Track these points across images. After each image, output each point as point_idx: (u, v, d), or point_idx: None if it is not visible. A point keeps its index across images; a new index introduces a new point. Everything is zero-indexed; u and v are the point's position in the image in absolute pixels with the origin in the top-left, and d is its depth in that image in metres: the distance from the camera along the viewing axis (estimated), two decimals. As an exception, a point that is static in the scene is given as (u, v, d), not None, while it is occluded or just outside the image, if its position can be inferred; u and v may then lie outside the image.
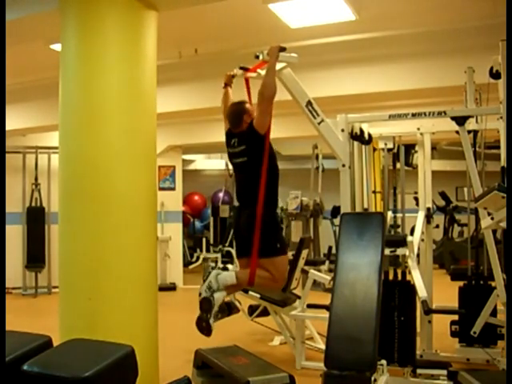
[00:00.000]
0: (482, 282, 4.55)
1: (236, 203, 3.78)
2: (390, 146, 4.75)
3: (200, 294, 3.38)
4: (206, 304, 3.33)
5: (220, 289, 3.36)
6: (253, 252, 3.35)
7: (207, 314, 3.31)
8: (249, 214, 3.39)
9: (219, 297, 3.36)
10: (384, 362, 2.90)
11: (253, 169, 3.38)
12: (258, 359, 3.60)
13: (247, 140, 3.44)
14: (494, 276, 4.00)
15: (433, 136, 4.55)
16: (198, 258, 10.84)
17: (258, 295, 4.59)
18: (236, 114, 3.53)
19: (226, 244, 10.47)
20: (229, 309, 4.57)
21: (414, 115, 3.98)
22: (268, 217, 3.42)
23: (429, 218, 4.57)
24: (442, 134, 4.97)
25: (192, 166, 12.40)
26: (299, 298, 4.83)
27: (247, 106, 3.55)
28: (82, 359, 2.30)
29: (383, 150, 4.77)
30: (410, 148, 7.20)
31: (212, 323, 3.32)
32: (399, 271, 4.11)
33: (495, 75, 3.92)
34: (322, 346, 4.09)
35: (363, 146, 4.29)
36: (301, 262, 5.01)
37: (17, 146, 8.36)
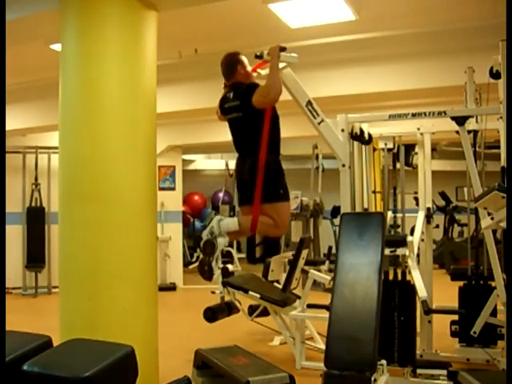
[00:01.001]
0: (482, 282, 4.54)
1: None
2: (390, 146, 4.75)
3: (201, 239, 3.39)
4: (208, 247, 3.35)
5: (222, 234, 3.37)
6: (255, 198, 3.36)
7: (209, 257, 3.32)
8: (252, 162, 3.40)
9: (222, 241, 3.38)
10: (384, 361, 2.89)
11: (248, 123, 3.40)
12: (258, 359, 3.60)
13: (242, 97, 3.44)
14: (494, 276, 4.00)
15: (433, 136, 4.54)
16: (197, 257, 10.80)
17: (258, 295, 4.59)
18: (229, 63, 3.55)
19: (226, 244, 10.47)
20: (229, 309, 4.57)
21: (414, 115, 3.98)
22: (272, 163, 3.43)
23: (429, 218, 4.57)
24: (442, 134, 4.98)
25: (192, 166, 12.40)
26: (299, 297, 4.83)
27: (241, 56, 3.56)
28: (82, 359, 2.30)
29: (383, 149, 4.77)
30: (409, 148, 7.20)
31: (214, 266, 3.33)
32: (399, 271, 4.11)
33: (495, 75, 3.92)
34: (322, 346, 4.09)
35: (363, 146, 4.30)
36: (301, 262, 5.01)
37: (17, 145, 8.35)
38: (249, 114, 3.42)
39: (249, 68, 3.59)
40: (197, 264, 10.68)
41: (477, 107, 4.31)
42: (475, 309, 4.22)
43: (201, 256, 3.45)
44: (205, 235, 3.39)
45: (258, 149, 3.36)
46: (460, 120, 3.78)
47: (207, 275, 3.36)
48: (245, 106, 3.44)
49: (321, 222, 8.74)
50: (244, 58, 3.58)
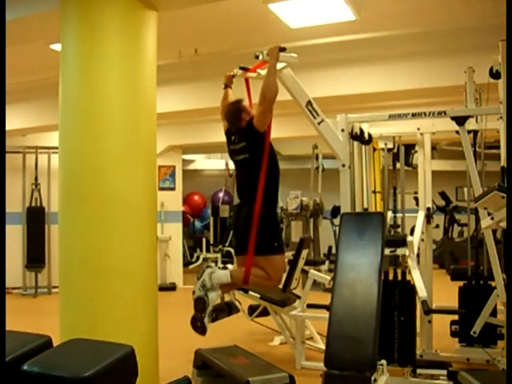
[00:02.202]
0: (482, 282, 4.54)
1: (237, 201, 3.77)
2: (390, 146, 4.76)
3: (194, 293, 3.37)
4: (199, 304, 3.32)
5: (214, 288, 3.35)
6: (249, 250, 3.35)
7: (201, 314, 3.30)
8: (248, 211, 3.39)
9: (213, 296, 3.34)
10: (384, 361, 2.89)
11: (253, 165, 3.38)
12: (258, 359, 3.60)
13: (247, 137, 3.44)
14: (494, 276, 3.99)
15: (433, 136, 4.54)
16: (198, 257, 10.85)
17: (258, 295, 4.59)
18: (234, 113, 3.53)
19: (226, 244, 10.48)
20: (229, 309, 4.58)
21: (414, 115, 3.98)
22: (268, 215, 3.42)
23: (429, 218, 4.57)
24: (442, 134, 4.97)
25: (192, 166, 12.40)
26: (299, 297, 4.83)
27: (244, 104, 3.56)
28: (82, 359, 2.30)
29: (383, 149, 4.78)
30: (409, 148, 7.20)
31: (206, 323, 3.31)
32: (399, 271, 4.11)
33: (495, 75, 3.92)
34: (322, 346, 4.09)
35: (363, 146, 4.29)
36: (301, 262, 5.01)
37: (17, 145, 8.36)
38: (256, 155, 3.39)
39: (250, 109, 3.56)
40: (197, 264, 10.73)
41: (477, 107, 4.31)
42: (475, 309, 4.22)
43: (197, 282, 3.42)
44: (197, 289, 3.36)
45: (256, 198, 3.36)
46: (460, 120, 3.78)
47: (200, 330, 3.34)
48: (251, 145, 3.42)
49: (321, 222, 8.75)
50: (246, 105, 3.57)
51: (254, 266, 3.39)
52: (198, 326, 3.32)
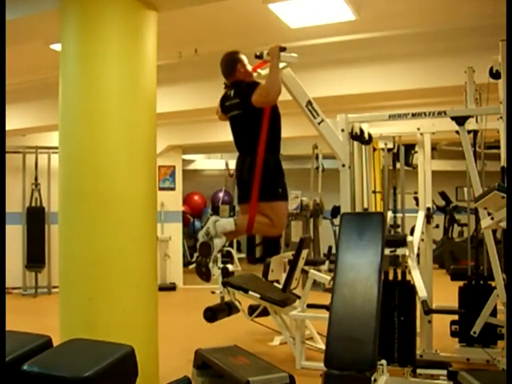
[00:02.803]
0: (482, 282, 4.54)
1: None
2: (390, 146, 4.76)
3: (198, 240, 3.38)
4: (204, 248, 3.33)
5: (218, 235, 3.35)
6: (252, 197, 3.35)
7: (206, 259, 3.30)
8: (251, 160, 3.39)
9: (218, 242, 3.36)
10: (384, 361, 2.89)
11: (248, 120, 3.39)
12: (258, 359, 3.60)
13: (242, 95, 3.44)
14: (494, 276, 3.99)
15: (433, 136, 4.54)
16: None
17: (258, 295, 4.59)
18: (229, 62, 3.55)
19: (226, 244, 10.46)
20: (229, 309, 4.58)
21: (414, 115, 3.98)
22: (272, 162, 3.43)
23: (429, 218, 4.57)
24: (442, 134, 4.97)
25: (192, 166, 12.40)
26: (299, 297, 4.83)
27: (241, 55, 3.56)
28: (82, 359, 2.31)
29: (383, 149, 4.77)
30: (409, 148, 7.20)
31: (211, 268, 3.31)
32: (399, 271, 4.11)
33: (495, 75, 3.92)
34: (322, 346, 4.09)
35: (363, 146, 4.29)
36: (301, 262, 5.01)
37: (17, 145, 8.35)
38: (249, 112, 3.42)
39: (248, 66, 3.60)
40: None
41: (477, 107, 4.31)
42: (475, 309, 4.22)
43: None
44: (201, 236, 3.38)
45: (258, 147, 3.36)
46: (460, 120, 3.78)
47: (205, 276, 3.35)
48: (245, 104, 3.44)
49: (321, 222, 8.75)
50: (243, 57, 3.58)
51: (258, 213, 3.39)
52: (203, 272, 3.33)
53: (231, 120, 3.63)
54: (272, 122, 3.42)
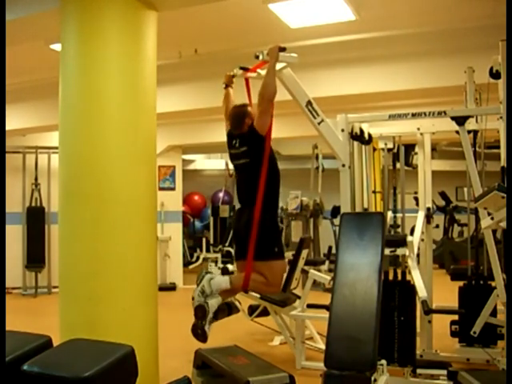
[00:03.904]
0: (481, 282, 4.54)
1: (238, 205, 3.76)
2: (390, 146, 4.75)
3: (193, 298, 3.36)
4: (200, 311, 3.31)
5: (214, 294, 3.33)
6: (248, 255, 3.34)
7: (202, 321, 3.29)
8: (248, 216, 3.38)
9: (213, 303, 3.33)
10: (384, 361, 2.89)
11: (254, 170, 3.38)
12: (258, 359, 3.60)
13: (248, 141, 3.44)
14: (494, 276, 3.99)
15: (433, 136, 4.54)
16: (197, 257, 10.85)
17: (258, 295, 4.59)
18: (238, 116, 3.53)
19: (226, 244, 10.47)
20: (229, 309, 4.56)
21: (414, 115, 3.98)
22: (268, 221, 3.41)
23: (429, 218, 4.57)
24: (442, 134, 4.97)
25: (192, 166, 12.40)
26: (299, 297, 4.83)
27: (249, 108, 3.55)
28: (82, 359, 2.31)
29: (383, 149, 4.77)
30: (409, 148, 7.20)
31: (207, 330, 3.30)
32: (399, 271, 4.11)
33: (495, 75, 3.92)
34: (322, 346, 4.09)
35: (363, 146, 4.29)
36: (301, 262, 5.01)
37: (17, 145, 8.36)
38: (256, 160, 3.39)
39: (254, 114, 3.56)
40: (197, 264, 10.72)
41: (477, 107, 4.31)
42: (475, 309, 4.22)
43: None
44: (196, 295, 3.34)
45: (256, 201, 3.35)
46: (460, 120, 3.78)
47: (201, 338, 3.34)
48: (252, 150, 3.42)
49: (321, 222, 8.75)
50: (251, 110, 3.55)
51: (254, 271, 3.38)
52: (199, 334, 3.32)
53: (237, 169, 3.61)
54: (270, 176, 3.39)
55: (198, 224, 12.21)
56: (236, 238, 3.69)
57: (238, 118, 3.53)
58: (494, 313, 4.19)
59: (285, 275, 5.08)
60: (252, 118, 3.47)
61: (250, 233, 3.32)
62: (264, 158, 3.36)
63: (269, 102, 3.34)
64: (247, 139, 3.44)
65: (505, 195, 2.82)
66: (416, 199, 4.92)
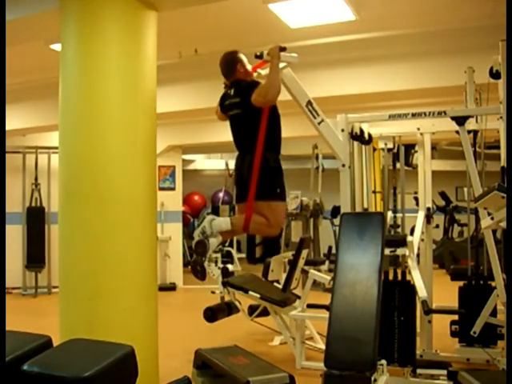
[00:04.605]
0: (481, 282, 4.54)
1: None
2: (390, 146, 4.75)
3: (193, 238, 3.36)
4: (200, 246, 3.31)
5: (214, 234, 3.34)
6: (249, 195, 3.33)
7: (202, 257, 3.29)
8: (251, 159, 3.38)
9: (214, 241, 3.34)
10: (384, 361, 2.89)
11: (248, 120, 3.39)
12: (258, 359, 3.59)
13: (242, 94, 3.44)
14: (494, 276, 4.00)
15: (433, 136, 4.54)
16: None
17: (258, 295, 4.59)
18: (229, 62, 3.56)
19: (226, 244, 10.46)
20: (229, 309, 4.58)
21: (414, 115, 3.98)
22: (272, 161, 3.43)
23: (429, 218, 4.57)
24: (442, 134, 4.97)
25: (192, 166, 12.40)
26: (299, 297, 4.83)
27: (240, 55, 3.56)
28: (82, 359, 2.30)
29: (383, 149, 4.77)
30: (409, 148, 7.21)
31: (207, 266, 3.30)
32: (399, 271, 4.11)
33: (495, 75, 3.92)
34: (322, 346, 4.09)
35: (363, 146, 4.29)
36: (301, 262, 5.01)
37: (17, 145, 8.35)
38: (248, 112, 3.42)
39: (248, 66, 3.60)
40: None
41: (477, 107, 4.31)
42: (475, 309, 4.22)
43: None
44: (196, 235, 3.36)
45: (256, 146, 3.36)
46: (460, 120, 3.78)
47: (200, 275, 3.33)
48: (245, 103, 3.44)
49: (321, 222, 8.74)
50: (243, 57, 3.58)
51: (255, 212, 3.37)
52: (198, 270, 3.32)
53: (231, 119, 3.63)
54: (271, 121, 3.42)
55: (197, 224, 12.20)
56: (238, 181, 3.65)
57: (228, 63, 3.55)
58: (494, 313, 4.19)
59: (284, 275, 5.09)
60: (244, 65, 3.50)
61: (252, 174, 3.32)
62: (263, 110, 3.35)
63: (272, 101, 3.35)
64: (241, 92, 3.46)
65: (505, 195, 2.82)
66: (416, 199, 4.92)
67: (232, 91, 3.55)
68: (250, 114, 3.40)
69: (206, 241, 3.30)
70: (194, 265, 3.32)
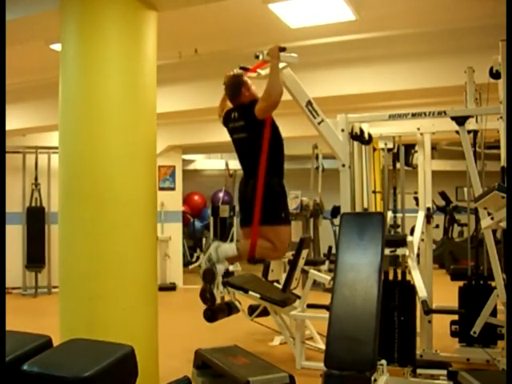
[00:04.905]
0: (481, 282, 4.54)
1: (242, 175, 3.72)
2: (390, 146, 4.75)
3: (200, 267, 3.37)
4: (209, 275, 3.32)
5: (221, 261, 3.34)
6: (254, 220, 3.34)
7: (210, 285, 3.29)
8: (255, 183, 3.38)
9: (221, 268, 3.34)
10: (384, 361, 2.89)
11: (252, 144, 3.38)
12: (258, 359, 3.59)
13: (246, 117, 3.43)
14: (494, 276, 4.00)
15: (433, 136, 4.54)
16: (197, 257, 10.84)
17: (258, 295, 4.59)
18: (234, 85, 3.53)
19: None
20: (229, 309, 4.57)
21: (414, 115, 3.98)
22: (277, 185, 3.42)
23: (429, 218, 4.57)
24: (442, 134, 4.97)
25: (192, 166, 12.40)
26: (299, 297, 4.83)
27: (245, 78, 3.55)
28: (82, 359, 2.30)
29: (383, 149, 4.77)
30: (409, 148, 7.21)
31: (216, 293, 3.31)
32: (399, 271, 4.11)
33: (495, 75, 3.92)
34: (322, 346, 4.09)
35: (363, 146, 4.29)
36: (301, 262, 5.00)
37: (17, 145, 8.35)
38: (254, 135, 3.40)
39: (253, 88, 3.57)
40: (197, 264, 10.71)
41: (477, 107, 4.31)
42: (475, 309, 4.22)
43: (201, 263, 3.43)
44: (203, 263, 3.37)
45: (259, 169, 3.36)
46: (460, 120, 3.78)
47: (210, 302, 3.34)
48: (249, 126, 3.43)
49: (321, 222, 8.75)
50: (248, 79, 3.55)
51: (260, 237, 3.38)
52: (208, 298, 3.32)
53: (236, 142, 3.61)
54: (274, 146, 3.40)
55: (197, 224, 12.21)
56: (242, 205, 3.66)
57: (234, 87, 3.53)
58: (494, 313, 4.19)
59: (284, 275, 5.09)
60: (249, 89, 3.47)
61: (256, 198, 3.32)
62: (264, 133, 3.35)
63: (275, 103, 3.33)
64: (245, 115, 3.43)
65: (505, 195, 2.82)
66: (416, 199, 4.92)
67: (236, 115, 3.53)
68: (254, 137, 3.38)
69: (214, 268, 3.31)
70: (203, 292, 3.33)
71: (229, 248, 3.39)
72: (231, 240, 10.28)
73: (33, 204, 8.52)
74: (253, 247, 3.37)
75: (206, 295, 3.32)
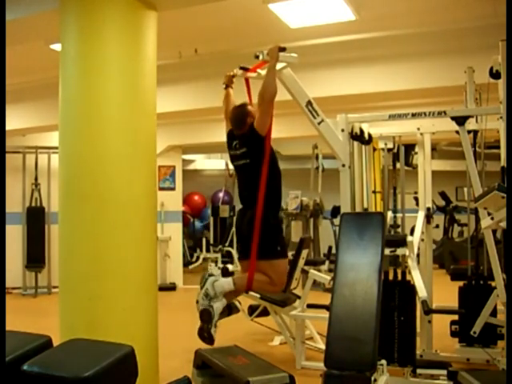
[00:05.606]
0: (481, 282, 4.54)
1: (239, 205, 3.76)
2: (390, 146, 4.75)
3: (197, 302, 3.36)
4: (205, 315, 3.30)
5: (217, 296, 3.33)
6: (251, 256, 3.34)
7: (208, 325, 3.29)
8: (252, 215, 3.38)
9: (219, 306, 3.32)
10: (384, 362, 2.89)
11: (254, 171, 3.37)
12: (258, 359, 3.59)
13: (248, 142, 3.43)
14: (494, 276, 3.99)
15: (433, 136, 4.54)
16: (197, 257, 10.86)
17: (258, 295, 4.59)
18: (239, 116, 3.52)
19: (226, 244, 10.48)
20: (229, 309, 4.56)
21: (414, 115, 3.98)
22: (272, 219, 3.41)
23: (429, 218, 4.57)
24: (442, 134, 4.97)
25: (192, 166, 12.40)
26: (299, 297, 4.83)
27: (249, 108, 3.54)
28: (82, 359, 2.30)
29: (383, 149, 4.77)
30: (409, 148, 7.20)
31: (214, 333, 3.30)
32: (399, 271, 4.11)
33: (495, 75, 3.92)
34: (322, 346, 4.09)
35: (363, 146, 4.29)
36: (301, 262, 5.01)
37: (17, 145, 8.36)
38: (256, 161, 3.38)
39: (254, 110, 3.56)
40: (197, 264, 10.69)
41: (477, 107, 4.31)
42: (475, 309, 4.22)
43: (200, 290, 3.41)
44: (200, 298, 3.34)
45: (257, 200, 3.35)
46: (460, 120, 3.78)
47: (208, 341, 3.34)
48: (251, 152, 3.42)
49: (321, 222, 8.75)
50: (251, 108, 3.54)
51: (257, 271, 3.38)
52: (206, 337, 3.32)
53: (237, 170, 3.61)
54: (272, 178, 3.39)
55: (197, 224, 12.21)
56: (239, 237, 3.69)
57: (239, 118, 3.52)
58: (494, 313, 4.19)
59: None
60: (253, 117, 3.46)
61: (253, 232, 3.32)
62: (264, 158, 3.36)
63: (269, 103, 3.33)
64: (247, 140, 3.43)
65: (505, 195, 2.82)
66: (416, 199, 4.92)
67: (237, 143, 3.51)
68: (257, 163, 3.36)
69: (211, 309, 3.29)
70: (201, 332, 3.32)
71: (225, 282, 3.36)
72: (231, 241, 10.28)
73: (33, 204, 8.52)
74: (250, 281, 3.37)
75: (204, 334, 3.31)
